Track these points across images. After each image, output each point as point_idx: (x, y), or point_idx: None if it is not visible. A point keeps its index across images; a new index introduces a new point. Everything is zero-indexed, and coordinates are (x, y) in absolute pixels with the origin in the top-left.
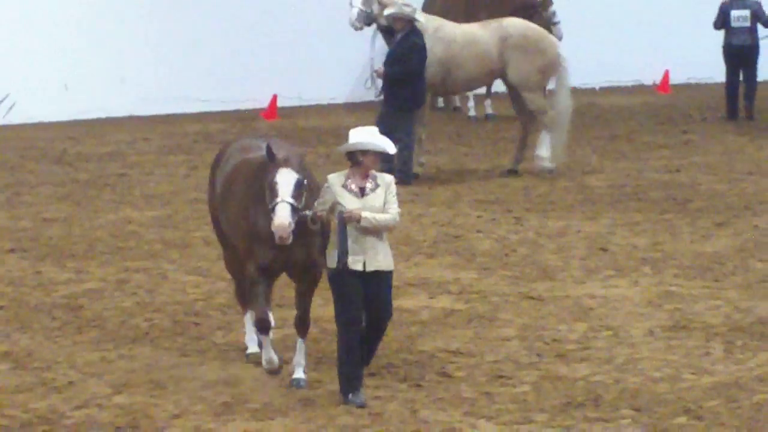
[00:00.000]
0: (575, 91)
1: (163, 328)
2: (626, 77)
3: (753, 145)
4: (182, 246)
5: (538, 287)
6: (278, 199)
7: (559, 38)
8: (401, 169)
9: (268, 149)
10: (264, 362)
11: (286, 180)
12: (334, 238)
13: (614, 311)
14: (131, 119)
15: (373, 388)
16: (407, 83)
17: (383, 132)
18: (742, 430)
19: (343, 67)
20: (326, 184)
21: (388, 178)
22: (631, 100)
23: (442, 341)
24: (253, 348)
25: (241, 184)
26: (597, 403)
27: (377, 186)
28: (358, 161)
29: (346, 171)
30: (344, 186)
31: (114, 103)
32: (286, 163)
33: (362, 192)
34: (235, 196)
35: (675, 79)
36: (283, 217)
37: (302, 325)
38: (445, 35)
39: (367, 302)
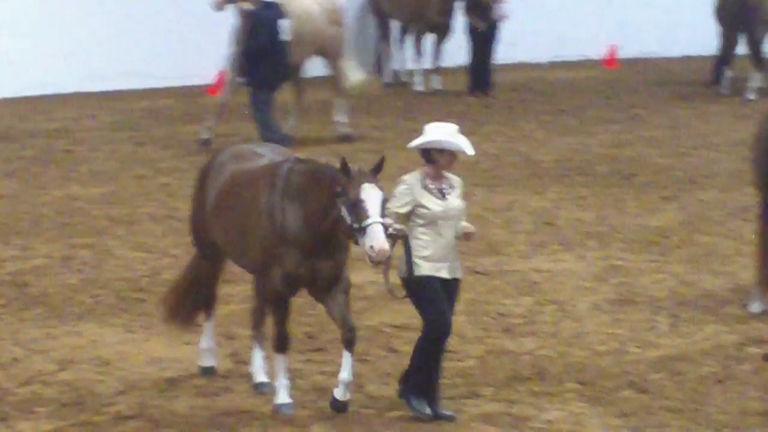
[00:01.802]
0: (523, 66)
1: (108, 305)
2: (573, 52)
3: (700, 120)
4: (128, 222)
5: (485, 262)
6: (370, 220)
7: (502, 17)
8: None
9: (343, 163)
10: (278, 392)
11: (373, 197)
12: (424, 248)
13: (560, 285)
14: (77, 95)
15: (319, 363)
16: (261, 59)
17: (256, 111)
18: (687, 403)
19: None
20: (404, 186)
21: (458, 179)
22: (578, 75)
23: (388, 316)
24: (261, 377)
25: (258, 189)
26: (542, 376)
27: (452, 187)
28: (434, 160)
29: (420, 171)
30: (425, 187)
31: (60, 79)
32: (367, 177)
33: (442, 193)
34: (249, 203)
35: (622, 53)
36: (382, 240)
37: (351, 337)
38: (290, 10)
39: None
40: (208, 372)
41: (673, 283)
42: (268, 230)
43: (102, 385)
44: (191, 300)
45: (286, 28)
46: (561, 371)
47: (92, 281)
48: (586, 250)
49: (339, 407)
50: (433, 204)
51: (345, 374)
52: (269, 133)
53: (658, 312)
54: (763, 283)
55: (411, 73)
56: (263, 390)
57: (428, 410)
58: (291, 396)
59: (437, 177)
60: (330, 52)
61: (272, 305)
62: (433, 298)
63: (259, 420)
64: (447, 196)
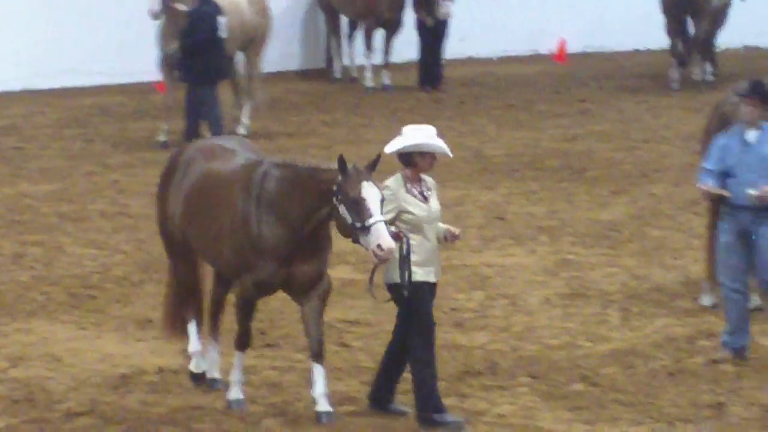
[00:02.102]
0: (473, 61)
1: (59, 302)
2: (523, 47)
3: (650, 114)
4: (78, 219)
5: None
6: (373, 219)
7: (446, 15)
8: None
9: (341, 161)
10: (231, 388)
11: (372, 195)
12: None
13: (511, 280)
14: (26, 93)
15: (271, 359)
16: (200, 55)
17: (190, 108)
18: (639, 396)
19: None
20: (387, 192)
21: (432, 180)
22: (528, 70)
23: (340, 311)
24: (200, 365)
25: (233, 194)
26: (494, 371)
27: (430, 189)
28: (414, 163)
29: (400, 174)
30: (408, 191)
31: (9, 76)
32: (364, 175)
33: (424, 197)
34: (223, 208)
35: (572, 48)
36: (389, 238)
37: (320, 348)
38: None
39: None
40: (198, 379)
41: (624, 277)
42: (243, 239)
43: (53, 382)
44: (184, 309)
45: (223, 24)
46: (513, 365)
47: (43, 278)
48: (537, 245)
49: (328, 417)
50: (417, 208)
51: (319, 388)
52: (215, 132)
53: (609, 306)
54: (713, 277)
55: (361, 68)
56: (215, 386)
57: (457, 418)
58: (243, 392)
59: (416, 180)
60: (254, 44)
61: (240, 306)
62: (425, 304)
63: (212, 416)
64: (428, 199)
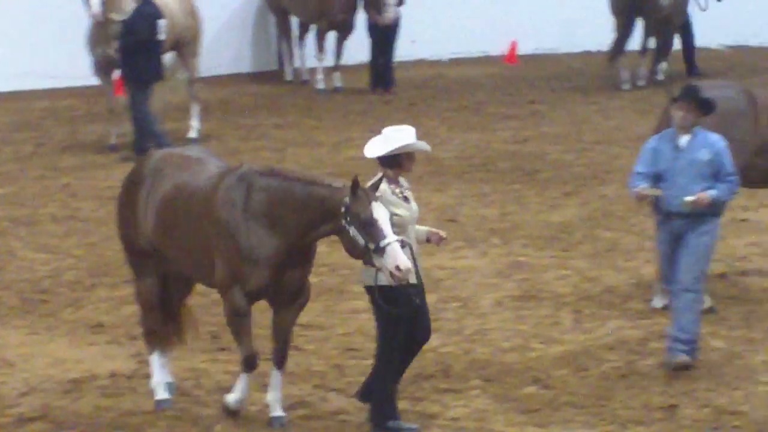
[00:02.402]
0: (424, 63)
1: (11, 306)
2: (473, 48)
3: (600, 115)
4: (30, 223)
5: None
6: (387, 240)
7: (390, 19)
8: (139, 146)
9: (355, 182)
10: (231, 402)
11: (383, 215)
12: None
13: (463, 282)
14: None
15: (224, 363)
16: (140, 55)
17: (133, 107)
18: (591, 399)
19: None
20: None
21: (405, 181)
22: (479, 72)
23: None
24: (163, 394)
25: (215, 205)
26: (447, 374)
27: (408, 189)
28: (401, 164)
29: (381, 177)
30: (393, 193)
31: None
32: (372, 196)
33: (406, 198)
34: (205, 220)
35: (522, 49)
36: (405, 259)
37: (283, 355)
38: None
39: (409, 318)
40: (163, 404)
41: (576, 279)
42: (231, 250)
43: (5, 387)
44: (157, 323)
45: (163, 26)
46: (465, 368)
47: None
48: (488, 247)
49: (276, 423)
50: (402, 209)
51: (275, 394)
52: (145, 134)
53: (561, 308)
54: (665, 278)
55: (312, 71)
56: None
57: (411, 426)
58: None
59: (396, 181)
60: (186, 46)
61: (233, 322)
62: (400, 313)
63: (164, 420)
64: (409, 200)
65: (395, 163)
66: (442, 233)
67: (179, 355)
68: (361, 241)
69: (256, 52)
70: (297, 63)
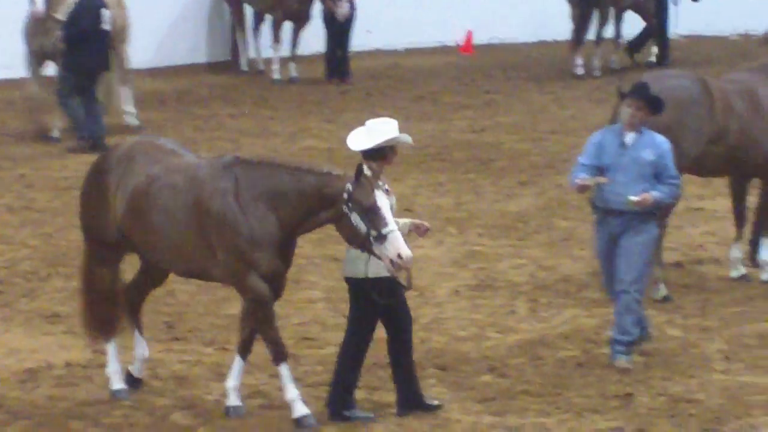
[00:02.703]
0: (380, 53)
1: None
2: (429, 38)
3: (556, 105)
4: None
5: (343, 249)
6: (389, 227)
7: (345, 15)
8: (81, 136)
9: (360, 168)
10: (291, 400)
11: (385, 204)
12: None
13: (420, 272)
14: None
15: (179, 352)
16: (82, 46)
17: (61, 97)
18: (547, 387)
19: (145, 31)
20: None
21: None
22: (435, 61)
23: None
24: (119, 385)
25: (204, 195)
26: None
27: (384, 182)
28: (385, 156)
29: (362, 166)
30: (379, 187)
31: None
32: (375, 184)
33: (387, 191)
34: (191, 211)
35: (478, 39)
36: (406, 248)
37: (250, 344)
38: None
39: (388, 310)
40: (119, 394)
41: (532, 268)
42: (235, 239)
43: None
44: (100, 311)
45: (107, 17)
46: (421, 357)
47: None
48: (445, 236)
49: (305, 423)
50: (386, 204)
51: (235, 382)
52: (81, 124)
53: (517, 297)
54: (604, 281)
55: (268, 61)
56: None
57: (368, 414)
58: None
59: (378, 175)
60: (115, 33)
61: (258, 310)
62: (374, 304)
63: (120, 410)
64: (390, 192)
65: (379, 156)
66: (427, 224)
67: (133, 345)
68: (363, 228)
69: (211, 42)
70: (252, 53)
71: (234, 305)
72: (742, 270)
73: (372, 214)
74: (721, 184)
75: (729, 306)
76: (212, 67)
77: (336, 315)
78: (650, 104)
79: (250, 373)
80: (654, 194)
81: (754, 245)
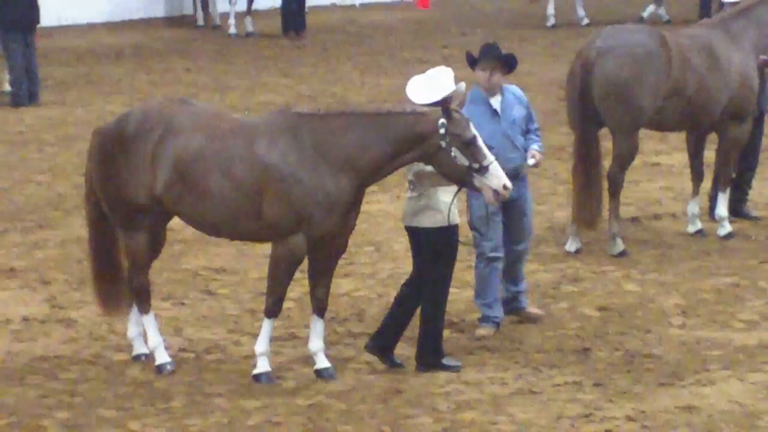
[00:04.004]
0: (335, 8)
1: None
2: None
3: None
4: None
5: None
6: (490, 159)
7: None
8: (14, 92)
9: (446, 104)
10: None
11: (479, 136)
12: (445, 194)
13: (377, 227)
14: None
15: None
16: (9, 2)
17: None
18: (505, 342)
19: None
20: None
21: None
22: (391, 16)
23: (206, 259)
24: (141, 349)
25: (269, 150)
26: (361, 317)
27: None
28: (449, 110)
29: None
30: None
31: None
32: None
33: None
34: (254, 163)
35: None
36: (507, 179)
37: (324, 303)
38: None
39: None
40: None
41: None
42: (295, 193)
43: None
44: (147, 280)
45: None
46: (379, 312)
47: None
48: (401, 191)
49: (325, 374)
50: None
51: (319, 343)
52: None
53: (474, 252)
54: (578, 222)
55: (224, 15)
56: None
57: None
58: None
59: None
60: None
61: (283, 268)
62: (456, 249)
63: (78, 365)
64: None
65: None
66: None
67: (93, 300)
68: (464, 161)
69: None
70: (209, 8)
71: (191, 260)
72: (699, 225)
73: (473, 147)
74: (678, 139)
75: (686, 261)
76: (168, 22)
77: None
78: (504, 63)
79: (206, 328)
80: (536, 147)
81: (714, 200)
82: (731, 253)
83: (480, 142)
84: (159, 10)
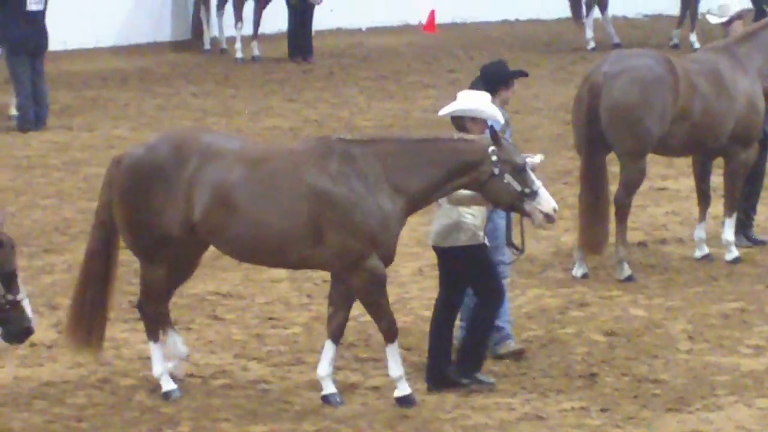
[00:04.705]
0: (341, 33)
1: None
2: (392, 18)
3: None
4: None
5: None
6: (539, 183)
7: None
8: (21, 116)
9: (493, 131)
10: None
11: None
12: (474, 216)
13: None
14: None
15: (143, 332)
16: (15, 24)
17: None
18: (512, 367)
19: (108, 10)
20: None
21: None
22: (398, 41)
23: (213, 284)
24: (169, 386)
25: (332, 180)
26: (368, 343)
27: None
28: (464, 128)
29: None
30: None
31: None
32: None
33: None
34: (318, 196)
35: (441, 18)
36: (552, 200)
37: (342, 330)
38: None
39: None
40: (173, 394)
41: None
42: (360, 222)
43: None
44: (160, 312)
45: None
46: None
47: None
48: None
49: (334, 400)
50: None
51: (324, 368)
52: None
53: None
54: (584, 247)
55: (231, 40)
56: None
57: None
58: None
59: None
60: None
61: (376, 291)
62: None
63: (84, 390)
64: None
65: (461, 126)
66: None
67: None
68: (517, 186)
69: (174, 21)
70: (215, 32)
71: (197, 285)
72: (706, 250)
73: (523, 172)
74: (684, 164)
75: (693, 286)
76: (175, 46)
77: (300, 295)
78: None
79: (213, 353)
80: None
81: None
82: (738, 278)
83: (529, 167)
84: (165, 35)
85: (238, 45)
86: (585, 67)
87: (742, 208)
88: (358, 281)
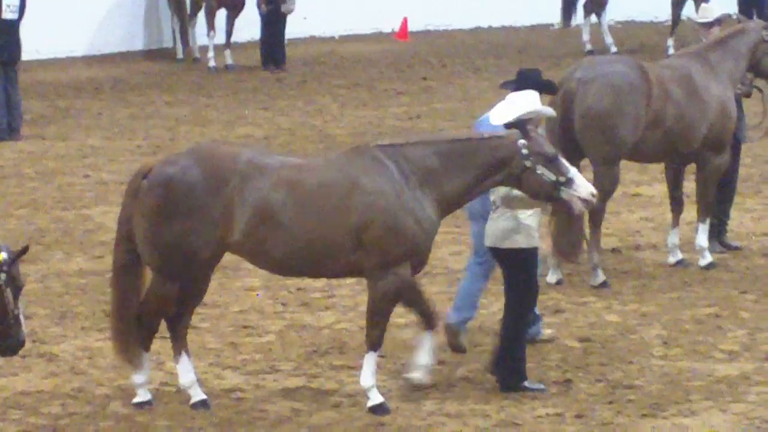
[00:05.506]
0: (314, 41)
1: None
2: (365, 26)
3: (492, 91)
4: None
5: None
6: (572, 170)
7: (289, 11)
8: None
9: (522, 124)
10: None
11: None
12: (531, 218)
13: None
14: None
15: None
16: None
17: None
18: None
19: (81, 19)
20: None
21: None
22: (370, 48)
23: None
24: (199, 396)
25: (369, 188)
26: (342, 350)
27: None
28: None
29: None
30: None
31: None
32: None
33: None
34: (352, 202)
35: (413, 26)
36: (589, 184)
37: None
38: None
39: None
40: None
41: (471, 255)
42: (402, 229)
43: None
44: (156, 328)
45: (14, 5)
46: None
47: None
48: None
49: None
50: None
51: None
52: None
53: (455, 284)
54: (558, 253)
55: (203, 48)
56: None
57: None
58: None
59: None
60: None
61: (393, 302)
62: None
63: (59, 399)
64: None
65: (521, 127)
66: None
67: (74, 334)
68: (551, 176)
69: (147, 30)
70: (188, 41)
71: None
72: (680, 255)
73: (555, 161)
74: (658, 170)
75: (667, 291)
76: (148, 55)
77: (275, 303)
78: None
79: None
80: None
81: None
82: (712, 284)
83: (560, 156)
84: (138, 44)
85: (211, 54)
86: (558, 74)
87: (715, 213)
88: (384, 285)
